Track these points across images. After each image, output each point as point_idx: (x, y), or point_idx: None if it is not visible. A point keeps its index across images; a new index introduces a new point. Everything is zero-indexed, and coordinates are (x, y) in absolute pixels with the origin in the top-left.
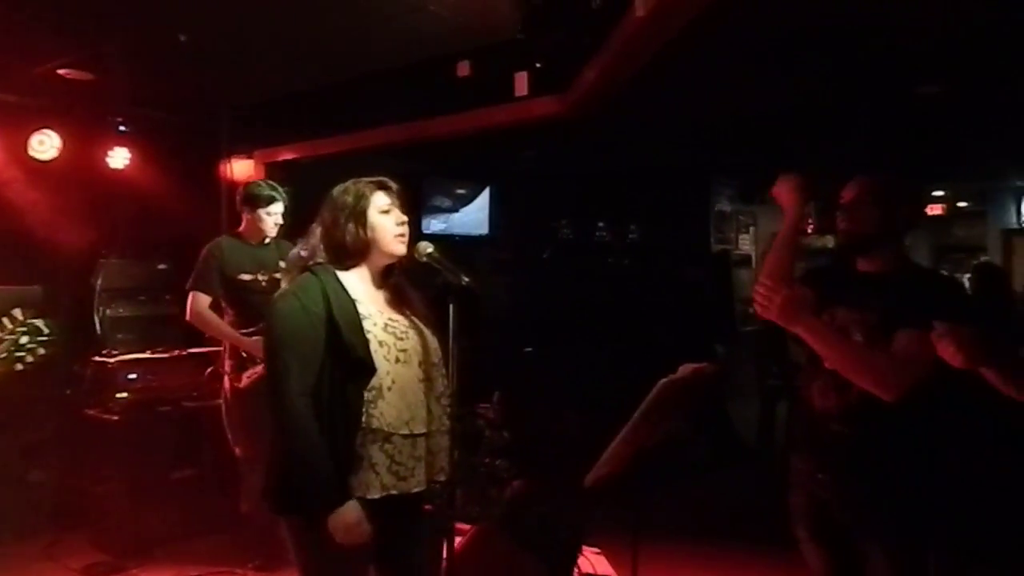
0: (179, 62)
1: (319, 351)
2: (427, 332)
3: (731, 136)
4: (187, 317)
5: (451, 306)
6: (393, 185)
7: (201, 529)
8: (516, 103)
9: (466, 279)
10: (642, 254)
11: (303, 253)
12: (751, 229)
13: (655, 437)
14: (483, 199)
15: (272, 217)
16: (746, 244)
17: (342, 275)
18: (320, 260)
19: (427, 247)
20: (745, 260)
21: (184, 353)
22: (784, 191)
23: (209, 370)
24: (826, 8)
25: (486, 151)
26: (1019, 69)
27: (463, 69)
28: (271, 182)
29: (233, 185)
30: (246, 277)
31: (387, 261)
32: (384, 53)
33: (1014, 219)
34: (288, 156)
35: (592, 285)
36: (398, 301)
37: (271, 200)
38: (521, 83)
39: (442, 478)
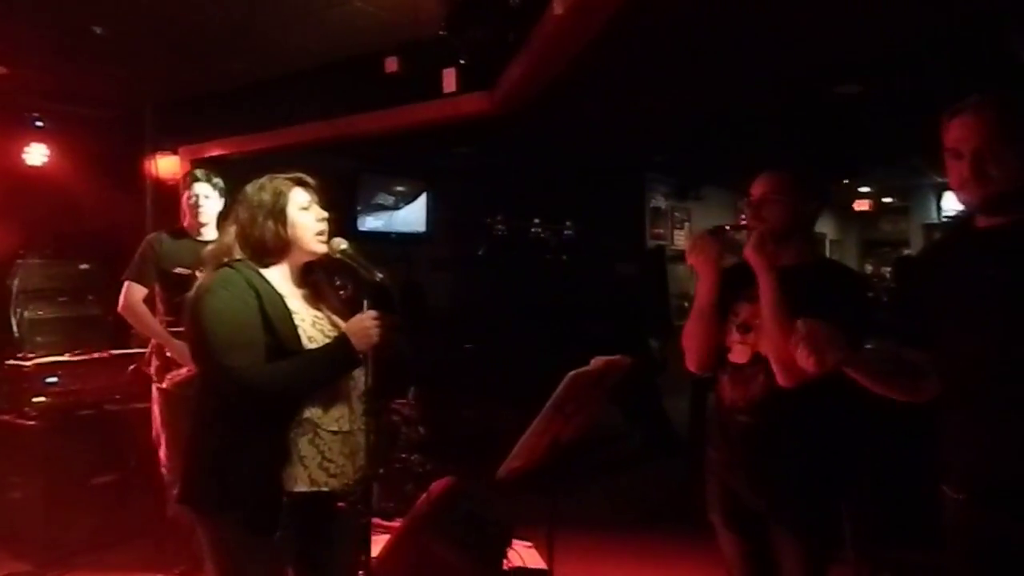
0: (97, 56)
1: (262, 340)
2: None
3: (665, 134)
4: (119, 308)
5: (365, 303)
6: (311, 181)
7: (123, 535)
8: (444, 99)
9: (380, 275)
10: (578, 250)
11: (213, 262)
12: (686, 225)
13: (570, 430)
14: (423, 197)
15: (192, 200)
16: (681, 240)
17: (263, 272)
18: (238, 257)
19: (341, 243)
20: (680, 255)
21: (108, 355)
22: (697, 257)
23: (131, 367)
24: (744, 8)
25: (421, 148)
26: (934, 69)
27: (391, 65)
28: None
29: (158, 182)
30: (183, 271)
31: (307, 259)
32: (311, 48)
33: (935, 214)
34: (215, 152)
35: (528, 281)
36: (317, 298)
37: (190, 180)
38: (449, 79)
39: (357, 476)
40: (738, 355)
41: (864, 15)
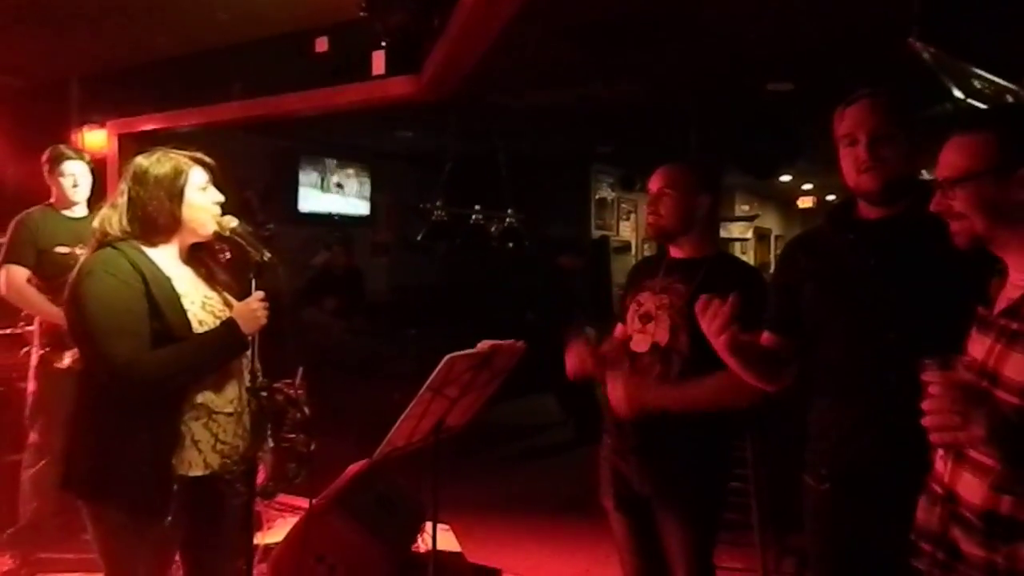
0: (17, 24)
1: (147, 326)
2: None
3: (611, 125)
4: (2, 292)
5: (253, 281)
6: (210, 161)
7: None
8: (373, 82)
9: (268, 254)
10: (519, 238)
11: (97, 227)
12: (632, 216)
13: (458, 413)
14: (366, 179)
15: (68, 179)
16: (626, 231)
17: (149, 252)
18: (120, 235)
19: (231, 220)
20: (625, 247)
21: (19, 330)
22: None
23: (25, 349)
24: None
25: (364, 129)
26: (864, 69)
27: (321, 45)
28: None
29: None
30: (63, 250)
31: (195, 239)
32: (238, 24)
33: None
34: (144, 127)
35: (467, 268)
36: (205, 276)
37: (62, 158)
38: (378, 62)
39: (241, 455)
40: (638, 344)
41: (789, 14)
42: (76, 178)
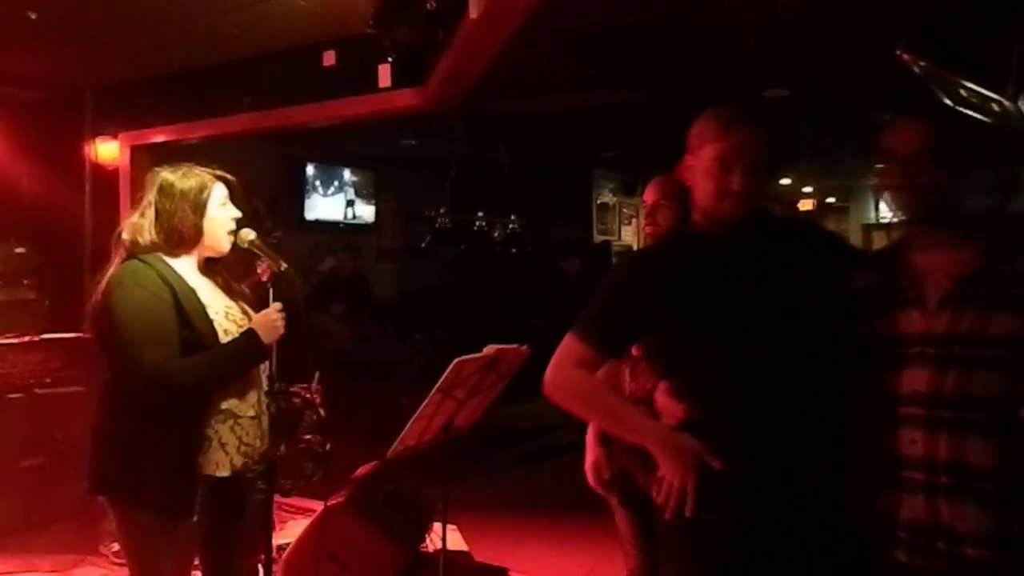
0: (34, 39)
1: (176, 335)
2: (254, 315)
3: (612, 130)
4: None
5: (271, 291)
6: (232, 178)
7: (51, 517)
8: (380, 94)
9: (284, 265)
10: (522, 244)
11: (127, 237)
12: (633, 221)
13: (465, 413)
14: (371, 187)
15: None
16: (628, 235)
17: (172, 262)
18: (147, 244)
19: (249, 233)
20: (627, 251)
21: (38, 338)
22: None
23: None
24: (661, 11)
25: (368, 137)
26: (857, 75)
27: (328, 58)
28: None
29: (97, 167)
30: None
31: (213, 253)
32: (248, 38)
33: (873, 214)
34: (155, 139)
35: (470, 274)
36: (224, 286)
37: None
38: (384, 75)
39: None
40: (638, 348)
41: (784, 23)
42: None
